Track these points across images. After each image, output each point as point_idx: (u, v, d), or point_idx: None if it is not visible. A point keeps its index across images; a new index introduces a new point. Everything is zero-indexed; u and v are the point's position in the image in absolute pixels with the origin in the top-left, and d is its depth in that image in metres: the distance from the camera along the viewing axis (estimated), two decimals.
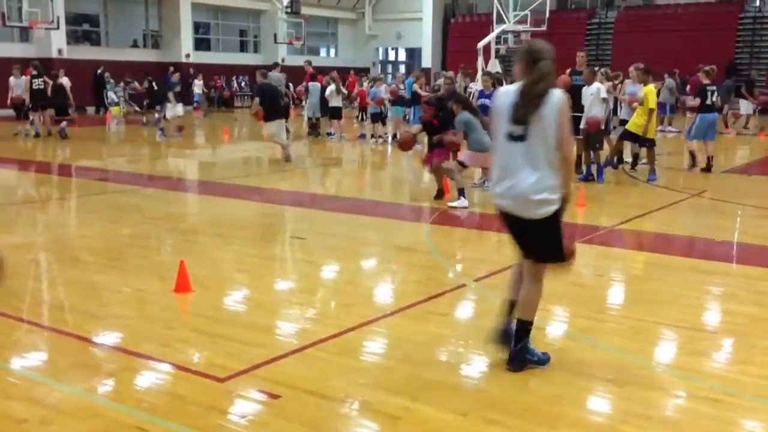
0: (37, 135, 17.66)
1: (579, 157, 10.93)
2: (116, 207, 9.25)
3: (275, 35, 31.85)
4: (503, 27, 29.42)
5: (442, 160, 9.45)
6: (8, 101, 18.43)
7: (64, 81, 18.10)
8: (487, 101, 10.69)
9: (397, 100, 17.99)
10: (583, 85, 11.06)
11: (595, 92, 10.88)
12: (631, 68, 11.96)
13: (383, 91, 18.08)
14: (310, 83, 18.52)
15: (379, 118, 17.81)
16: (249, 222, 8.47)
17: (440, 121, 9.47)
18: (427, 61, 36.13)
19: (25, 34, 25.36)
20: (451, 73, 19.01)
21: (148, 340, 4.55)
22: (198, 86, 27.89)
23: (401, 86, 18.67)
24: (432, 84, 22.20)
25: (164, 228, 7.99)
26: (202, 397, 3.78)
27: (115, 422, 3.52)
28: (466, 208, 8.97)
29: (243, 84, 33.18)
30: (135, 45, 30.63)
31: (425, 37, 36.61)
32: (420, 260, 6.80)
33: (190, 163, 14.97)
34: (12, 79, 18.18)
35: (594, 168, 11.20)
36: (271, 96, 13.66)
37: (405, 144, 9.95)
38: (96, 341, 4.60)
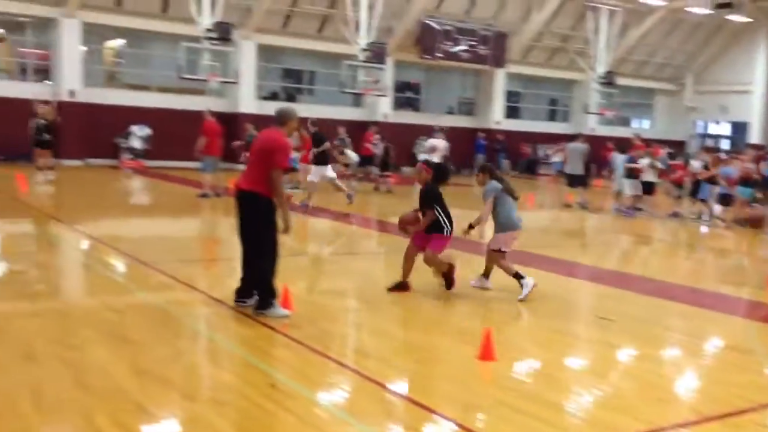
0: (376, 189, 19.72)
1: None
2: (422, 266, 9.77)
3: (586, 105, 31.69)
4: None
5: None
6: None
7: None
8: None
9: (747, 181, 16.09)
10: None
11: None
12: None
13: (734, 170, 16.40)
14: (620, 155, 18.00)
15: (727, 200, 16.16)
16: (548, 294, 8.40)
17: None
18: (755, 136, 33.25)
19: (358, 100, 28.31)
20: None
21: (447, 400, 4.72)
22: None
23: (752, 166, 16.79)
24: None
25: (465, 294, 8.26)
26: None
27: None
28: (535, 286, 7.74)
29: (549, 152, 33.39)
30: (450, 112, 32.52)
31: (754, 110, 33.79)
32: (741, 361, 6.18)
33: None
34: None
35: None
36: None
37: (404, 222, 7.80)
38: (393, 389, 4.90)
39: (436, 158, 17.78)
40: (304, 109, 25.70)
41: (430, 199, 7.44)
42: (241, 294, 6.63)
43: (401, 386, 5.01)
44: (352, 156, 19.82)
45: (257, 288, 6.45)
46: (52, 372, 4.94)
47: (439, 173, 7.60)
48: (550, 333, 6.65)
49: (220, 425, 4.20)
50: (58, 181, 17.22)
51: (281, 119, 6.52)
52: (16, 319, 6.08)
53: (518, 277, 7.66)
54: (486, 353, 5.56)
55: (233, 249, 11.21)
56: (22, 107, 21.87)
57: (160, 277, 8.06)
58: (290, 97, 28.65)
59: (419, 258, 7.59)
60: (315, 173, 14.69)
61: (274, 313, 6.34)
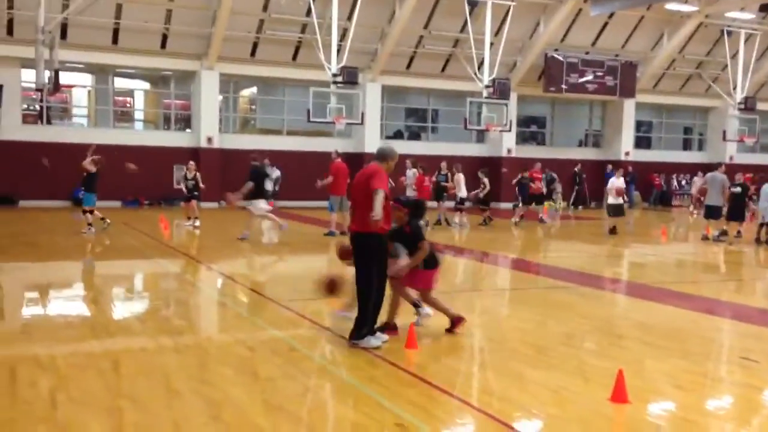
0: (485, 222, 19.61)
1: None
2: (553, 302, 9.56)
3: (724, 132, 30.13)
4: None
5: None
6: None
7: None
8: None
9: None
10: None
11: None
12: None
13: None
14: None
15: None
16: (685, 332, 7.99)
17: None
18: None
19: (481, 136, 28.31)
20: None
21: None
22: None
23: None
24: None
25: (596, 329, 8.00)
26: None
27: None
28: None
29: (684, 182, 31.97)
30: (579, 144, 31.85)
31: None
32: None
33: (623, 262, 14.82)
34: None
35: None
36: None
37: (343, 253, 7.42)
38: (520, 429, 4.79)
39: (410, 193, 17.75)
40: (428, 147, 26.31)
41: (420, 235, 7.17)
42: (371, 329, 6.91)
43: (529, 426, 4.90)
44: (461, 189, 19.68)
45: (357, 317, 6.75)
46: (191, 407, 5.20)
47: (416, 209, 7.41)
48: (687, 374, 6.30)
49: None
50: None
51: (382, 156, 6.92)
52: (158, 354, 6.46)
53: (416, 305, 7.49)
54: (619, 394, 5.35)
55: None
56: (167, 155, 23.48)
57: (288, 313, 8.33)
58: (414, 135, 29.09)
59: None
60: (255, 207, 14.91)
61: (367, 343, 6.63)
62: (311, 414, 5.11)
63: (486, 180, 19.82)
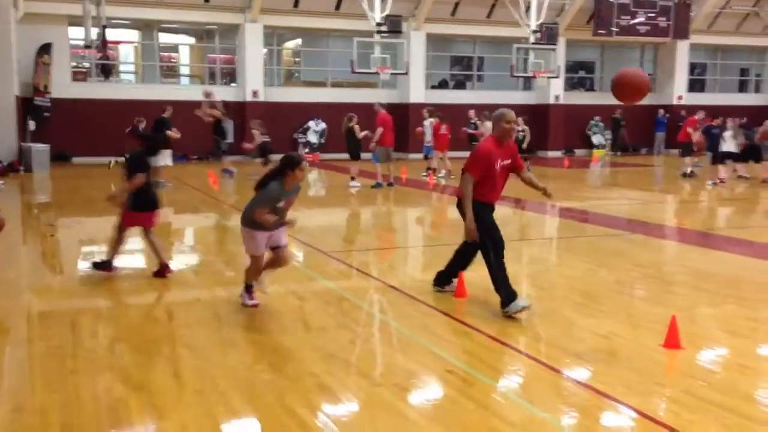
0: None
1: None
2: (603, 250, 9.47)
3: None
4: None
5: None
6: None
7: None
8: None
9: None
10: None
11: None
12: None
13: None
14: None
15: None
16: (739, 278, 7.84)
17: None
18: None
19: (528, 83, 27.80)
20: None
21: (628, 388, 4.56)
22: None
23: None
24: None
25: (649, 276, 7.91)
26: None
27: None
28: None
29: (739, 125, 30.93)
30: None
31: None
32: None
33: (677, 210, 14.54)
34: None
35: None
36: None
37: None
38: (571, 376, 4.83)
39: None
40: (474, 96, 25.94)
41: (137, 166, 7.44)
42: (438, 280, 7.01)
43: (580, 373, 4.90)
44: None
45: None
46: (248, 354, 5.35)
47: (151, 145, 7.73)
48: (742, 320, 6.22)
49: (401, 408, 4.35)
50: (244, 176, 18.44)
51: (492, 122, 6.56)
52: (213, 305, 6.62)
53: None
54: (672, 341, 5.32)
55: (404, 237, 11.46)
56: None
57: (337, 264, 8.43)
58: (459, 84, 28.69)
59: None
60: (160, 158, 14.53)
61: (514, 307, 6.12)
62: (363, 361, 5.20)
63: (525, 127, 19.46)
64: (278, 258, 6.55)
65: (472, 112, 19.98)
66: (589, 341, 5.56)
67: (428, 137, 18.83)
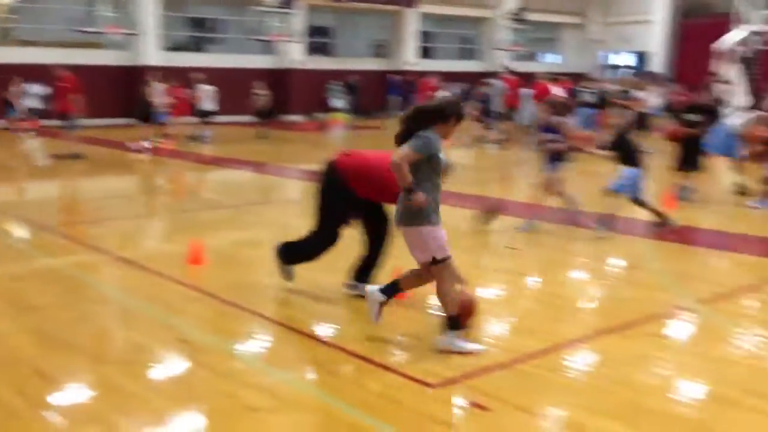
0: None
1: None
2: None
3: (496, 42, 31.85)
4: (747, 27, 26.94)
5: None
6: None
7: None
8: None
9: None
10: None
11: None
12: None
13: None
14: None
15: None
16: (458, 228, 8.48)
17: None
18: (656, 65, 34.21)
19: (268, 47, 27.60)
20: None
21: (358, 340, 4.76)
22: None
23: None
24: None
25: None
26: (413, 401, 3.89)
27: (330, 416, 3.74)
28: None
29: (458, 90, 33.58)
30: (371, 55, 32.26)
31: (655, 40, 34.70)
32: (638, 277, 6.50)
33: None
34: None
35: None
36: None
37: None
38: (309, 332, 4.93)
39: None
40: (214, 59, 25.19)
41: None
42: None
43: (320, 330, 5.01)
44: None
45: None
46: None
47: None
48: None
49: (129, 386, 4.10)
50: None
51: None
52: None
53: None
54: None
55: (135, 208, 10.86)
56: None
57: (62, 241, 7.77)
58: (198, 47, 27.73)
59: None
60: None
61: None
62: (88, 340, 4.82)
63: (263, 92, 19.36)
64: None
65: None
66: (312, 294, 5.68)
67: (159, 101, 17.72)
